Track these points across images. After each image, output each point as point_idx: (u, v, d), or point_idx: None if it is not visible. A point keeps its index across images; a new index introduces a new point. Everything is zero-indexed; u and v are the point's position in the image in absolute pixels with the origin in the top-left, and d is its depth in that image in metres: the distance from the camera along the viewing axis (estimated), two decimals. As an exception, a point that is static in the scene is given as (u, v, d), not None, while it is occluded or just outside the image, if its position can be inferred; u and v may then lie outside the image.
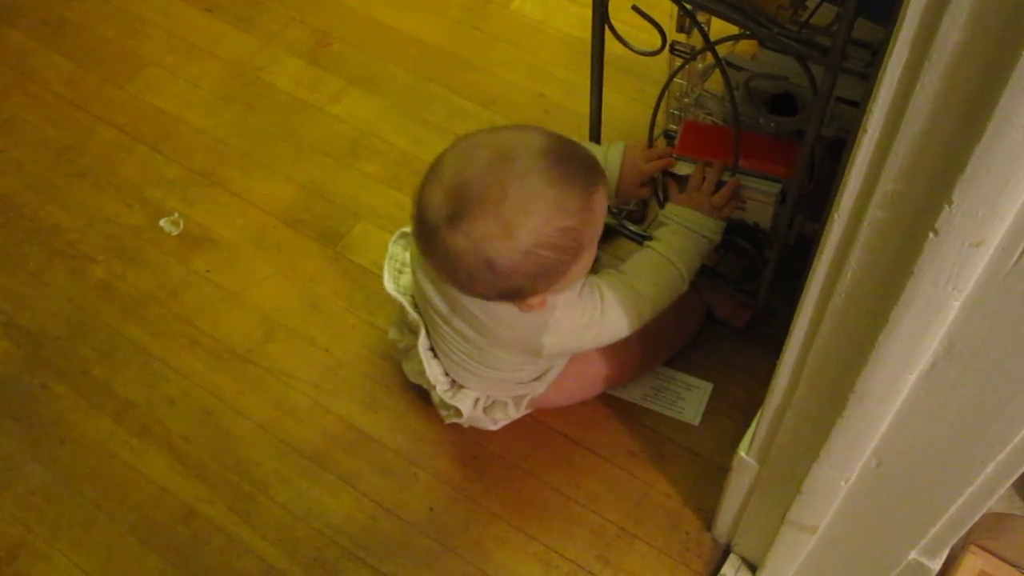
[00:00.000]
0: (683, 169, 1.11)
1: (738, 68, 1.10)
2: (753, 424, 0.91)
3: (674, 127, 1.21)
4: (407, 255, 1.12)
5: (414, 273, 1.07)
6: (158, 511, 1.19)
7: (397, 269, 1.13)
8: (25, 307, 1.37)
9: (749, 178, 1.08)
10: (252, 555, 1.15)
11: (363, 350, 1.30)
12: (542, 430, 1.22)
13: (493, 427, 1.17)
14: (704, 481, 1.17)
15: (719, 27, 0.95)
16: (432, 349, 1.11)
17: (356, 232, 1.41)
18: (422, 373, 1.12)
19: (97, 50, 1.66)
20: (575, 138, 0.97)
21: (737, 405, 1.22)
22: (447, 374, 1.12)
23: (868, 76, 0.84)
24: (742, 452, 0.94)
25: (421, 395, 1.23)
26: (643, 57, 1.04)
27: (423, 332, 1.09)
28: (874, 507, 0.82)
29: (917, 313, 0.59)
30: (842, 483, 0.81)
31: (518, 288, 0.91)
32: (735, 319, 1.26)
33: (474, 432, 1.21)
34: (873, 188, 0.56)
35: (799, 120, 1.08)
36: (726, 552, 1.12)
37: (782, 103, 1.11)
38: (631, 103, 1.49)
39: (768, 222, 1.11)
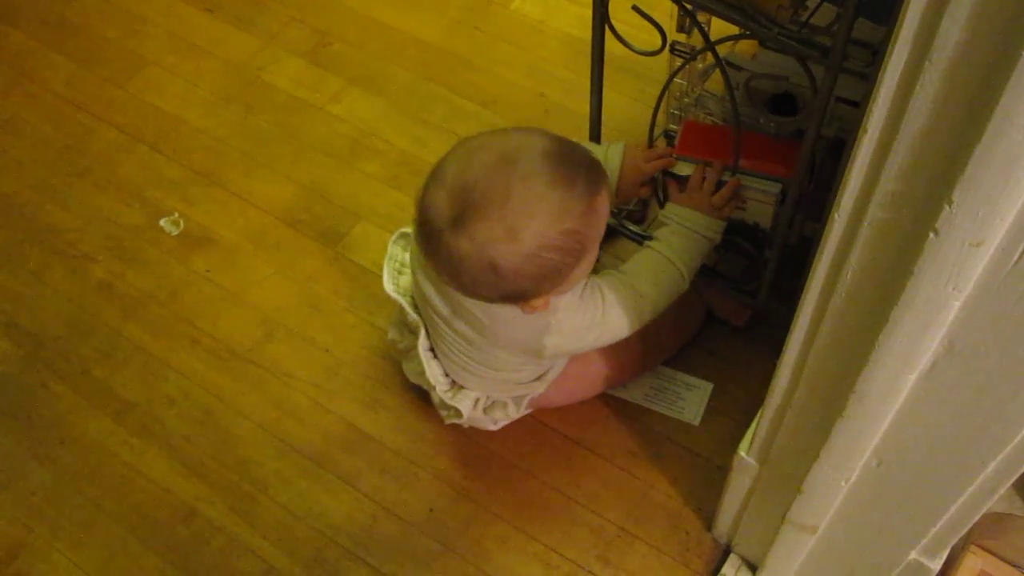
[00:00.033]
0: (683, 169, 1.11)
1: (738, 68, 1.10)
2: (753, 424, 0.91)
3: (674, 127, 1.21)
4: (407, 256, 1.12)
5: (414, 274, 1.07)
6: (158, 511, 1.19)
7: (396, 270, 1.13)
8: (25, 307, 1.37)
9: (749, 178, 1.08)
10: (252, 555, 1.15)
11: (363, 350, 1.30)
12: (542, 430, 1.22)
13: (493, 427, 1.17)
14: (704, 481, 1.17)
15: (719, 27, 0.95)
16: (432, 350, 1.11)
17: (356, 232, 1.41)
18: (422, 374, 1.12)
19: (97, 50, 1.66)
20: (575, 138, 0.97)
21: (737, 405, 1.22)
22: (447, 375, 1.12)
23: (868, 76, 0.84)
24: (742, 452, 0.94)
25: (421, 395, 1.23)
26: (643, 57, 1.03)
27: (423, 333, 1.09)
28: (874, 507, 0.82)
29: (917, 313, 0.59)
30: (842, 483, 0.81)
31: (521, 291, 0.91)
32: (735, 318, 1.26)
33: (474, 432, 1.21)
34: (873, 188, 0.56)
35: (799, 120, 1.08)
36: (726, 552, 1.12)
37: (782, 103, 1.11)
38: (631, 103, 1.49)
39: (768, 222, 1.11)
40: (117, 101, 1.59)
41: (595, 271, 1.02)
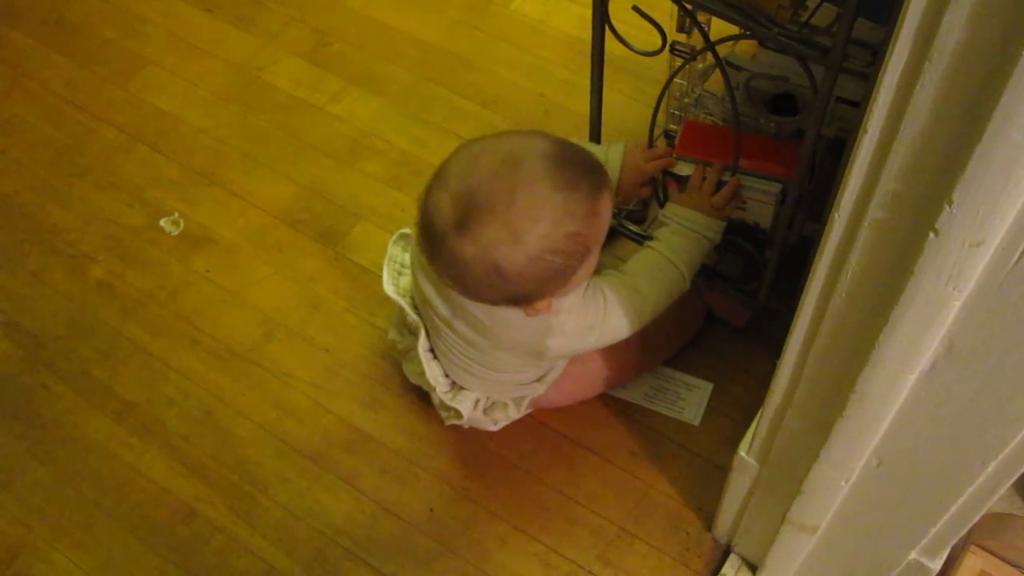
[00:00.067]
0: (683, 169, 1.11)
1: (738, 68, 1.10)
2: (753, 424, 0.91)
3: (674, 127, 1.21)
4: (407, 256, 1.12)
5: (414, 275, 1.07)
6: (158, 511, 1.19)
7: (396, 271, 1.13)
8: (25, 307, 1.37)
9: (749, 178, 1.08)
10: (252, 555, 1.15)
11: (363, 350, 1.30)
12: (542, 430, 1.22)
13: (493, 428, 1.17)
14: (704, 481, 1.17)
15: (719, 27, 0.95)
16: (432, 351, 1.11)
17: (356, 232, 1.41)
18: (422, 374, 1.12)
19: (97, 50, 1.66)
20: (575, 138, 0.97)
21: (737, 405, 1.22)
22: (447, 375, 1.12)
23: (868, 76, 0.84)
24: (742, 452, 0.94)
25: (421, 395, 1.23)
26: (643, 57, 1.03)
27: (423, 334, 1.09)
28: (874, 507, 0.82)
29: (917, 313, 0.59)
30: (842, 483, 0.81)
31: (525, 293, 0.91)
32: (735, 319, 1.26)
33: (474, 432, 1.21)
34: (873, 188, 0.56)
35: (799, 120, 1.08)
36: (726, 552, 1.12)
37: (782, 103, 1.11)
38: (631, 103, 1.49)
39: (768, 222, 1.11)
40: (117, 101, 1.59)
41: (596, 271, 1.02)
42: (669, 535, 1.14)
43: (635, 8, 0.97)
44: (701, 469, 1.18)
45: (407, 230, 1.13)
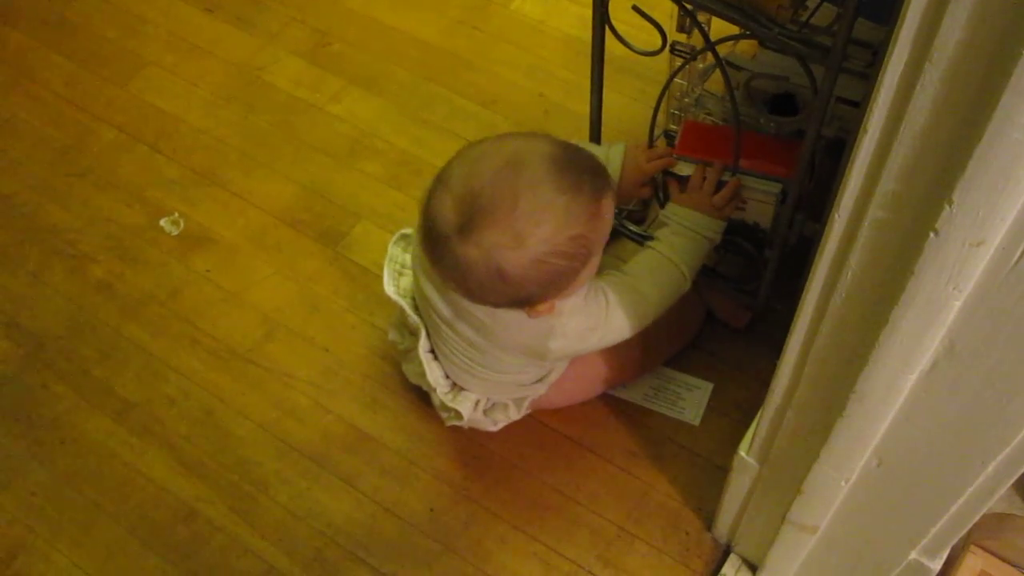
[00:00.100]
0: (684, 169, 1.11)
1: (738, 68, 1.10)
2: (753, 424, 0.91)
3: (674, 127, 1.21)
4: (407, 257, 1.12)
5: (416, 276, 1.07)
6: (158, 511, 1.19)
7: (397, 271, 1.13)
8: (25, 307, 1.37)
9: (749, 178, 1.08)
10: (252, 555, 1.15)
11: (363, 350, 1.30)
12: (542, 430, 1.22)
13: (493, 428, 1.17)
14: (704, 481, 1.17)
15: (719, 27, 0.95)
16: (432, 351, 1.11)
17: (356, 232, 1.41)
18: (422, 375, 1.12)
19: (97, 50, 1.66)
20: (575, 139, 0.97)
21: (737, 405, 1.22)
22: (447, 376, 1.12)
23: (868, 76, 0.84)
24: (742, 452, 0.94)
25: (421, 395, 1.23)
26: (643, 57, 1.04)
27: (424, 335, 1.09)
28: (874, 507, 0.82)
29: (917, 313, 0.59)
30: (842, 483, 0.81)
31: (528, 296, 0.91)
32: (735, 320, 1.26)
33: (474, 432, 1.20)
34: (873, 188, 0.56)
35: (799, 120, 1.08)
36: (726, 552, 1.12)
37: (782, 103, 1.11)
38: (631, 103, 1.49)
39: (768, 222, 1.11)
40: (117, 101, 1.59)
41: (597, 272, 1.02)
42: (669, 535, 1.14)
43: (635, 8, 0.97)
44: (701, 469, 1.18)
45: (408, 230, 1.13)
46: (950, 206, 0.51)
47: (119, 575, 1.15)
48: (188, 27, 1.68)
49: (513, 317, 0.96)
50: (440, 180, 0.90)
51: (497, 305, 0.94)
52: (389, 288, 1.10)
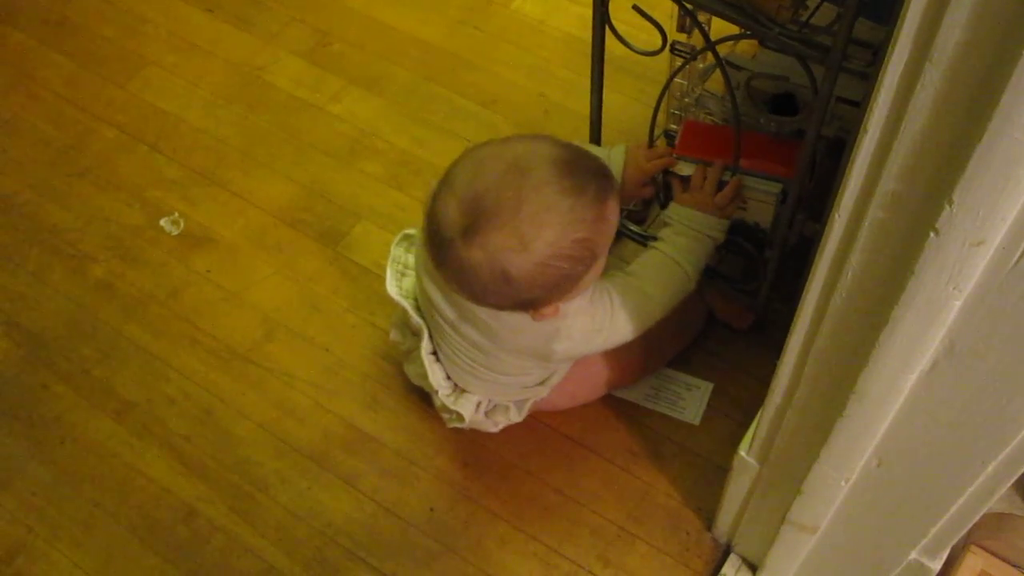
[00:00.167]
0: (684, 169, 1.11)
1: (738, 68, 1.10)
2: (753, 424, 0.91)
3: (675, 127, 1.21)
4: (410, 257, 1.12)
5: (419, 278, 1.06)
6: (158, 511, 1.19)
7: (400, 272, 1.12)
8: (25, 307, 1.37)
9: (750, 178, 1.08)
10: (252, 555, 1.15)
11: (363, 350, 1.30)
12: (542, 430, 1.22)
13: (494, 429, 1.17)
14: (704, 481, 1.17)
15: (719, 27, 0.95)
16: (435, 353, 1.11)
17: (356, 232, 1.41)
18: (424, 376, 1.11)
19: (97, 50, 1.66)
20: (575, 139, 0.97)
21: (737, 405, 1.22)
22: (449, 378, 1.12)
23: (869, 76, 0.84)
24: (742, 452, 0.94)
25: (422, 395, 1.23)
26: (643, 57, 1.03)
27: (426, 336, 1.09)
28: (874, 507, 0.82)
29: (917, 313, 0.59)
30: (842, 483, 0.81)
31: (533, 299, 0.91)
32: (737, 322, 1.26)
33: (474, 432, 1.20)
34: (874, 188, 0.56)
35: (799, 120, 1.08)
36: (726, 552, 1.12)
37: (782, 103, 1.11)
38: (631, 103, 1.49)
39: (768, 222, 1.11)
40: (117, 101, 1.59)
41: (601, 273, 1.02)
42: (669, 535, 1.14)
43: (635, 8, 0.97)
44: (701, 469, 1.18)
45: (411, 231, 1.12)
46: (950, 206, 0.51)
47: (119, 575, 1.15)
48: (188, 27, 1.68)
49: (518, 319, 0.96)
50: (444, 182, 0.90)
51: (501, 308, 0.94)
52: (392, 289, 1.10)
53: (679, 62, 1.07)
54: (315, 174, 1.47)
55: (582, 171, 0.89)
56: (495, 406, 1.14)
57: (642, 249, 1.13)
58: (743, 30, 0.90)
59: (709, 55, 1.02)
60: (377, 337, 1.30)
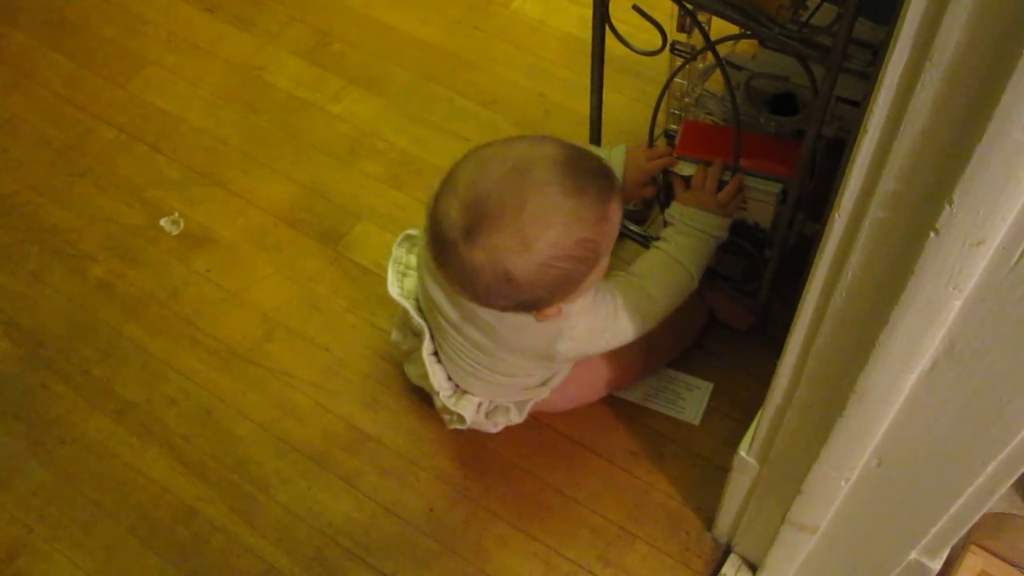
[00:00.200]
0: (684, 169, 1.11)
1: (739, 68, 1.09)
2: (753, 424, 0.91)
3: (675, 127, 1.21)
4: (411, 258, 1.12)
5: (421, 279, 1.06)
6: (158, 511, 1.19)
7: (401, 272, 1.12)
8: (25, 307, 1.37)
9: (750, 178, 1.08)
10: (252, 555, 1.15)
11: (364, 350, 1.30)
12: (542, 430, 1.22)
13: (494, 430, 1.17)
14: (704, 481, 1.17)
15: (719, 27, 0.95)
16: (436, 354, 1.11)
17: (356, 232, 1.41)
18: (425, 376, 1.11)
19: (97, 50, 1.66)
20: (575, 139, 0.97)
21: (737, 405, 1.22)
22: (450, 379, 1.12)
23: (869, 76, 0.84)
24: (742, 452, 0.94)
25: (422, 395, 1.23)
26: (644, 57, 1.03)
27: (427, 337, 1.09)
28: (874, 507, 0.82)
29: (917, 313, 0.59)
30: (842, 483, 0.81)
31: (536, 300, 0.91)
32: (738, 323, 1.26)
33: (474, 432, 1.20)
34: (874, 188, 0.56)
35: (800, 120, 1.08)
36: (726, 552, 1.12)
37: (782, 103, 1.11)
38: (631, 103, 1.49)
39: (768, 222, 1.11)
40: (117, 101, 1.59)
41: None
42: (669, 535, 1.14)
43: (635, 8, 0.97)
44: (701, 469, 1.18)
45: (412, 231, 1.12)
46: (950, 206, 0.51)
47: (119, 575, 1.15)
48: (188, 27, 1.68)
49: (521, 320, 0.96)
50: (447, 184, 0.89)
51: (504, 309, 0.94)
52: (393, 289, 1.10)
53: (679, 62, 1.07)
54: (315, 174, 1.47)
55: (585, 172, 0.89)
56: (496, 407, 1.14)
57: (642, 249, 1.13)
58: (743, 30, 0.90)
59: (709, 55, 1.02)
60: (377, 337, 1.30)
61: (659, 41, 1.01)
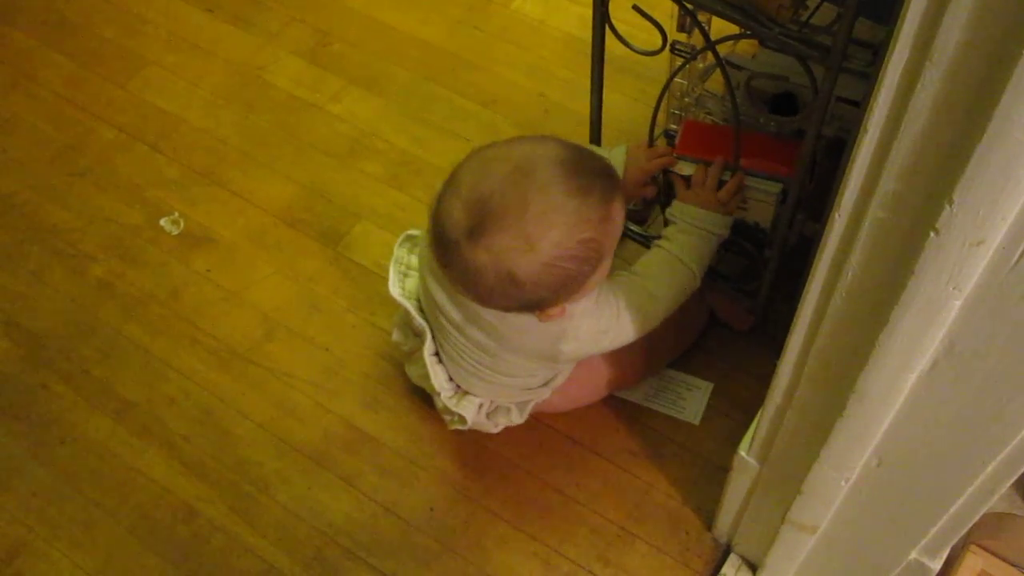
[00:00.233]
0: (684, 169, 1.11)
1: (739, 68, 1.10)
2: (753, 424, 0.91)
3: (675, 127, 1.21)
4: (413, 258, 1.12)
5: (423, 280, 1.06)
6: (158, 511, 1.19)
7: (403, 272, 1.12)
8: (25, 307, 1.37)
9: (750, 178, 1.08)
10: (252, 555, 1.15)
11: (364, 350, 1.30)
12: (542, 430, 1.22)
13: (494, 430, 1.17)
14: (704, 481, 1.17)
15: (720, 27, 0.95)
16: (437, 355, 1.11)
17: (356, 232, 1.41)
18: (426, 377, 1.11)
19: (97, 50, 1.66)
20: (575, 139, 0.97)
21: (737, 405, 1.22)
22: (451, 380, 1.12)
23: (869, 76, 0.84)
24: (742, 452, 0.94)
25: (422, 395, 1.23)
26: (644, 57, 1.03)
27: (428, 338, 1.08)
28: (874, 507, 0.82)
29: (918, 313, 0.59)
30: (842, 483, 0.81)
31: (539, 300, 0.91)
32: (738, 324, 1.26)
33: (475, 432, 1.20)
34: (874, 188, 0.56)
35: (799, 120, 1.08)
36: (726, 552, 1.12)
37: (783, 103, 1.11)
38: (632, 103, 1.49)
39: (768, 222, 1.11)
40: (117, 101, 1.59)
41: (605, 273, 1.01)
42: (669, 535, 1.14)
43: (635, 8, 0.97)
44: (701, 469, 1.18)
45: (414, 232, 1.12)
46: (950, 206, 0.51)
47: (119, 575, 1.15)
48: (188, 27, 1.68)
49: (524, 321, 0.96)
50: (449, 184, 0.89)
51: (508, 309, 0.94)
52: (394, 290, 1.10)
53: (679, 62, 1.07)
54: (315, 174, 1.47)
55: (588, 172, 0.89)
56: (497, 408, 1.14)
57: (643, 249, 1.13)
58: (743, 30, 0.90)
59: (709, 55, 1.02)
60: (377, 337, 1.30)
61: (659, 41, 1.01)
